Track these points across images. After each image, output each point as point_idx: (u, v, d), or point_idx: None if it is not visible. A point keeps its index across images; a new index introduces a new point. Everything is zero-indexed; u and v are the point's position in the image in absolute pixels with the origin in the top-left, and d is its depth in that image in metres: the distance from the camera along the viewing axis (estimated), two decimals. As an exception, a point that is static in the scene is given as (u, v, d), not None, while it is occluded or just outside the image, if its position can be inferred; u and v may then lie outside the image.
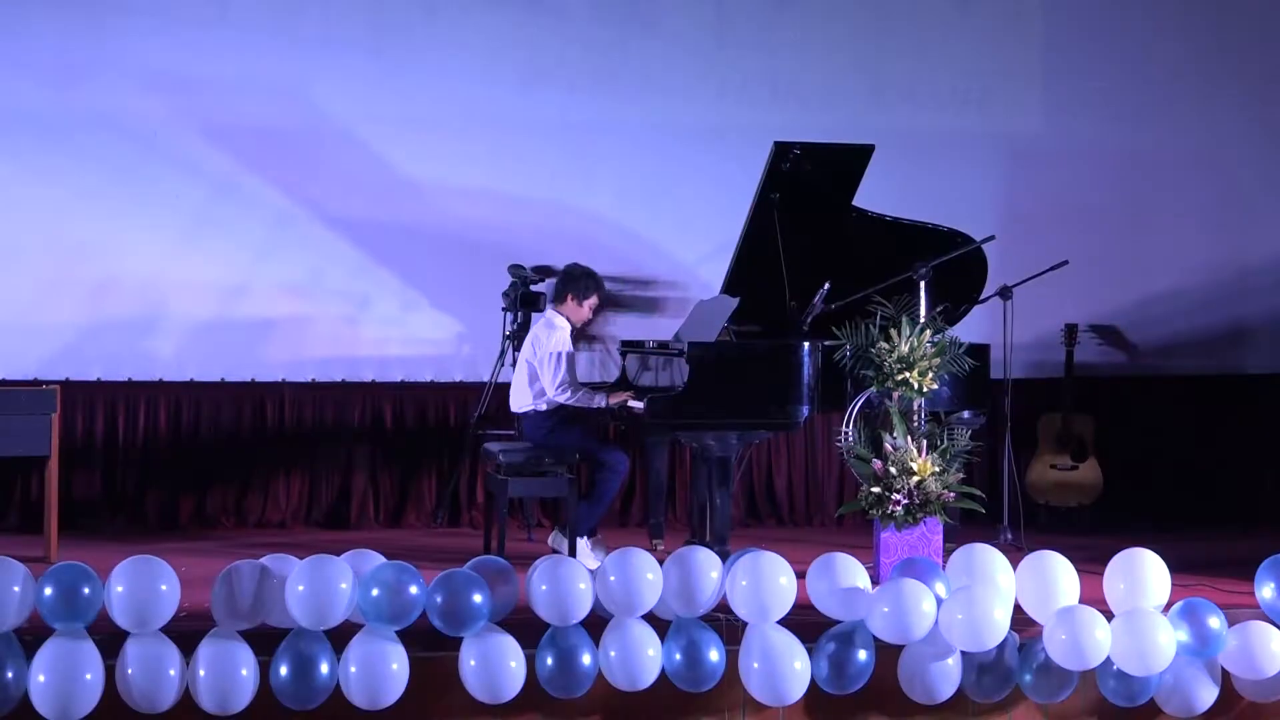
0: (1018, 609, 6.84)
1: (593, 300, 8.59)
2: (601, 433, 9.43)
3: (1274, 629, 6.84)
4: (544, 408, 8.44)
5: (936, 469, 7.64)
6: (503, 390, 8.71)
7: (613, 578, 6.56)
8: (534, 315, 9.14)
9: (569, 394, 8.35)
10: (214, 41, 9.55)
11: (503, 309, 9.43)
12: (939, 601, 6.71)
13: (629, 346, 9.19)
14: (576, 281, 8.56)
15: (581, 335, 9.81)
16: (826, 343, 8.00)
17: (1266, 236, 10.66)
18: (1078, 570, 6.93)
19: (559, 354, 8.35)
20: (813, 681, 6.66)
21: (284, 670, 6.29)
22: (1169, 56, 10.56)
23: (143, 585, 6.23)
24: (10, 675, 6.14)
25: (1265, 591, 6.96)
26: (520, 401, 8.51)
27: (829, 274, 8.41)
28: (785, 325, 8.54)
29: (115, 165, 9.48)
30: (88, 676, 6.15)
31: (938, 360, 7.76)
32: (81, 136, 9.45)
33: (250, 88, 9.57)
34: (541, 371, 8.38)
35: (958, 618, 6.63)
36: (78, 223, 9.46)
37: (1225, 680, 6.89)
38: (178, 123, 9.55)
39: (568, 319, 8.54)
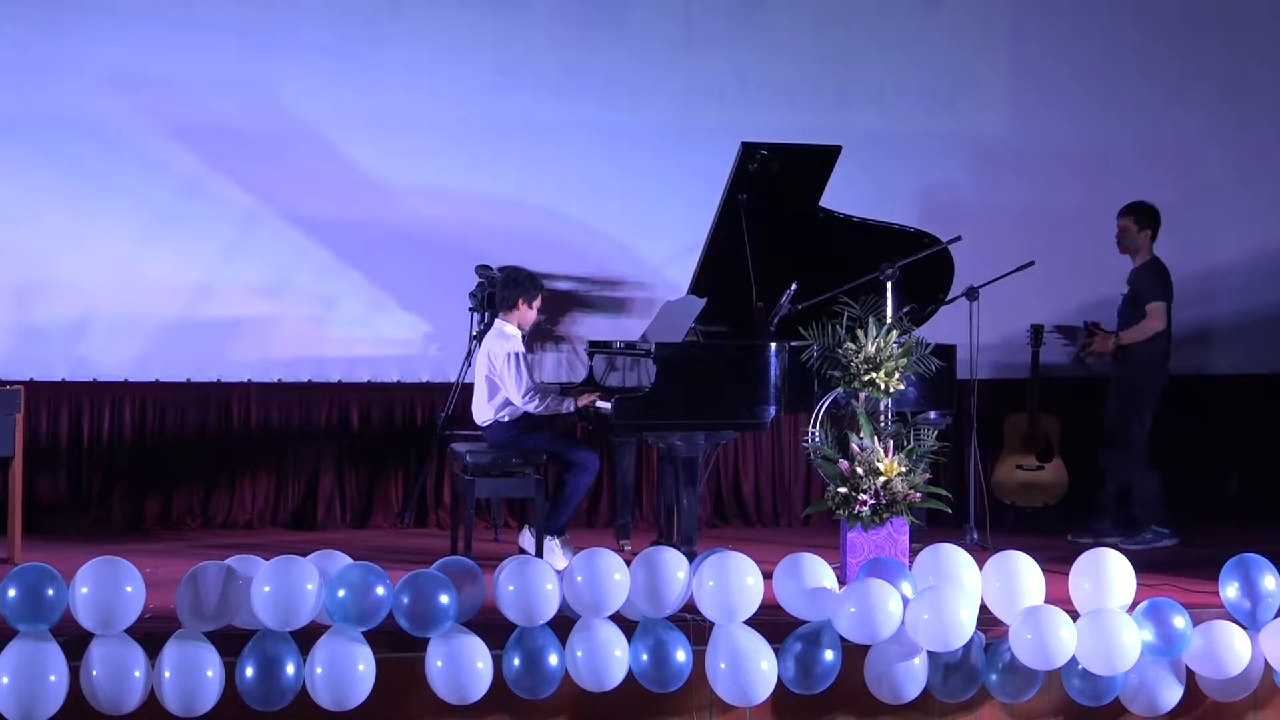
0: (983, 609, 6.86)
1: (538, 301, 8.60)
2: (570, 433, 9.43)
3: (1238, 628, 6.88)
4: (506, 419, 8.43)
5: (903, 469, 7.66)
6: (470, 391, 8.70)
7: (580, 578, 6.56)
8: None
9: (536, 402, 8.34)
10: (179, 40, 9.51)
11: (470, 309, 9.42)
12: (905, 601, 6.73)
13: (596, 347, 9.20)
14: (521, 285, 8.55)
15: (549, 335, 9.82)
16: (794, 343, 8.02)
17: (1232, 238, 10.71)
18: (1043, 570, 6.96)
19: (512, 355, 8.34)
20: (780, 681, 6.67)
21: (250, 672, 6.27)
22: (1136, 58, 10.61)
23: (107, 586, 6.20)
24: (-26, 677, 6.12)
25: (1229, 591, 7.00)
26: (482, 415, 8.51)
27: (796, 274, 8.42)
28: (752, 326, 8.55)
29: (79, 165, 9.43)
30: (51, 678, 6.12)
31: (904, 361, 7.78)
32: (44, 136, 9.40)
33: (216, 87, 9.54)
34: (503, 382, 8.37)
35: (924, 618, 6.65)
36: (41, 223, 9.41)
37: (1190, 680, 6.92)
38: (142, 122, 9.51)
39: (518, 325, 8.54)
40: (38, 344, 9.45)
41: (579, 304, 9.92)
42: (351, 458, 9.81)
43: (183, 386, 9.65)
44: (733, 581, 6.64)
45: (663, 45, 10.07)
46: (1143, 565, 7.17)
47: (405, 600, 6.39)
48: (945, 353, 8.40)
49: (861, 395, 7.81)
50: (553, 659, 6.51)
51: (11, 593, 6.16)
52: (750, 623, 6.69)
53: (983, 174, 10.39)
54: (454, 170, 9.80)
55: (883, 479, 7.63)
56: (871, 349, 7.74)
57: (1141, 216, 9.23)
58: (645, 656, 6.58)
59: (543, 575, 6.54)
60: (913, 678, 6.74)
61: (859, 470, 7.65)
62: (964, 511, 8.89)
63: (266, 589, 6.28)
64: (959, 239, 8.69)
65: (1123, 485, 9.26)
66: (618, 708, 6.69)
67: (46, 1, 9.39)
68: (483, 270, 9.34)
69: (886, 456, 7.66)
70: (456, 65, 9.82)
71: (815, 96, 10.18)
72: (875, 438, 7.73)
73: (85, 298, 9.48)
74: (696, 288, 8.72)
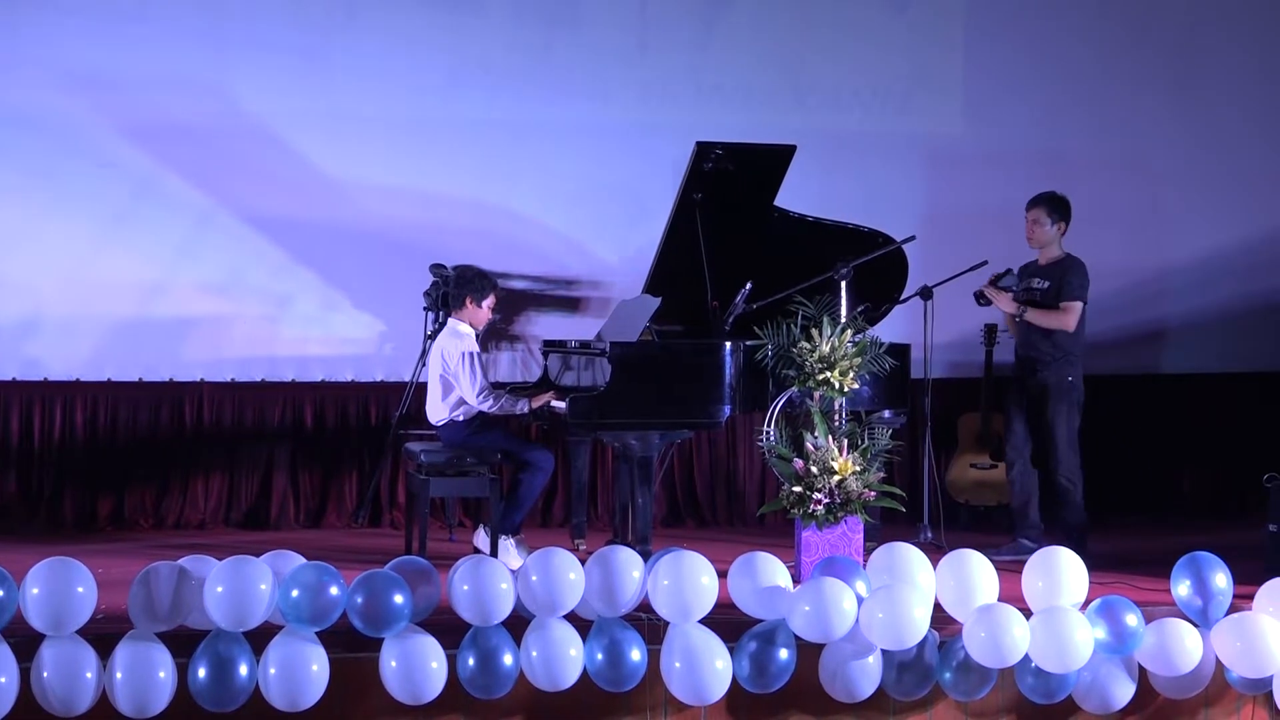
0: (938, 607, 6.88)
1: (490, 300, 8.58)
2: (524, 432, 9.42)
3: (1189, 626, 6.91)
4: (461, 418, 8.42)
5: (857, 468, 7.67)
6: (424, 390, 8.68)
7: (534, 578, 6.55)
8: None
9: (490, 402, 8.33)
10: (133, 38, 9.45)
11: (424, 309, 9.39)
12: (859, 600, 6.74)
13: (551, 346, 9.18)
14: (471, 284, 8.54)
15: (504, 334, 9.81)
16: (748, 342, 8.02)
17: (1184, 238, 10.78)
18: (996, 568, 6.98)
19: (466, 354, 8.33)
20: (734, 680, 6.68)
21: (202, 672, 6.24)
22: (1088, 60, 10.67)
23: (59, 587, 6.16)
24: (-77, 679, 6.07)
25: (1181, 589, 7.03)
26: (436, 415, 8.49)
27: (751, 274, 8.42)
28: (707, 325, 8.55)
29: (30, 163, 9.36)
30: (2, 680, 6.08)
31: (859, 360, 7.80)
32: (-3, 133, 9.36)
33: (170, 85, 9.48)
34: (457, 381, 8.36)
35: (878, 616, 6.66)
36: (-8, 221, 9.37)
37: (1142, 677, 6.95)
38: (96, 120, 9.44)
39: (470, 324, 8.53)
40: (-12, 343, 9.40)
41: (534, 303, 9.91)
42: (305, 457, 9.77)
43: (135, 386, 9.60)
44: (687, 580, 6.64)
45: (619, 45, 10.07)
46: (1095, 563, 7.19)
47: (359, 600, 6.37)
48: (899, 352, 8.42)
49: (816, 394, 7.82)
50: (507, 659, 6.50)
51: (-39, 594, 6.12)
52: (705, 622, 6.69)
53: (937, 174, 10.42)
54: (409, 169, 9.78)
55: (837, 478, 7.64)
56: (826, 348, 7.75)
57: (1054, 208, 8.62)
58: (600, 656, 6.57)
59: (497, 575, 6.53)
60: (867, 676, 6.75)
61: (813, 469, 7.66)
62: (918, 510, 8.90)
63: (219, 589, 6.25)
64: (913, 238, 8.71)
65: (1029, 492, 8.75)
66: (573, 707, 6.69)
67: (-2, -1, 9.35)
68: (437, 269, 9.31)
69: (841, 455, 7.68)
70: (412, 64, 9.80)
71: (771, 97, 10.19)
72: (830, 437, 7.75)
73: (36, 297, 9.42)
74: (651, 287, 8.72)
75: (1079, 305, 8.56)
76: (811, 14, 10.31)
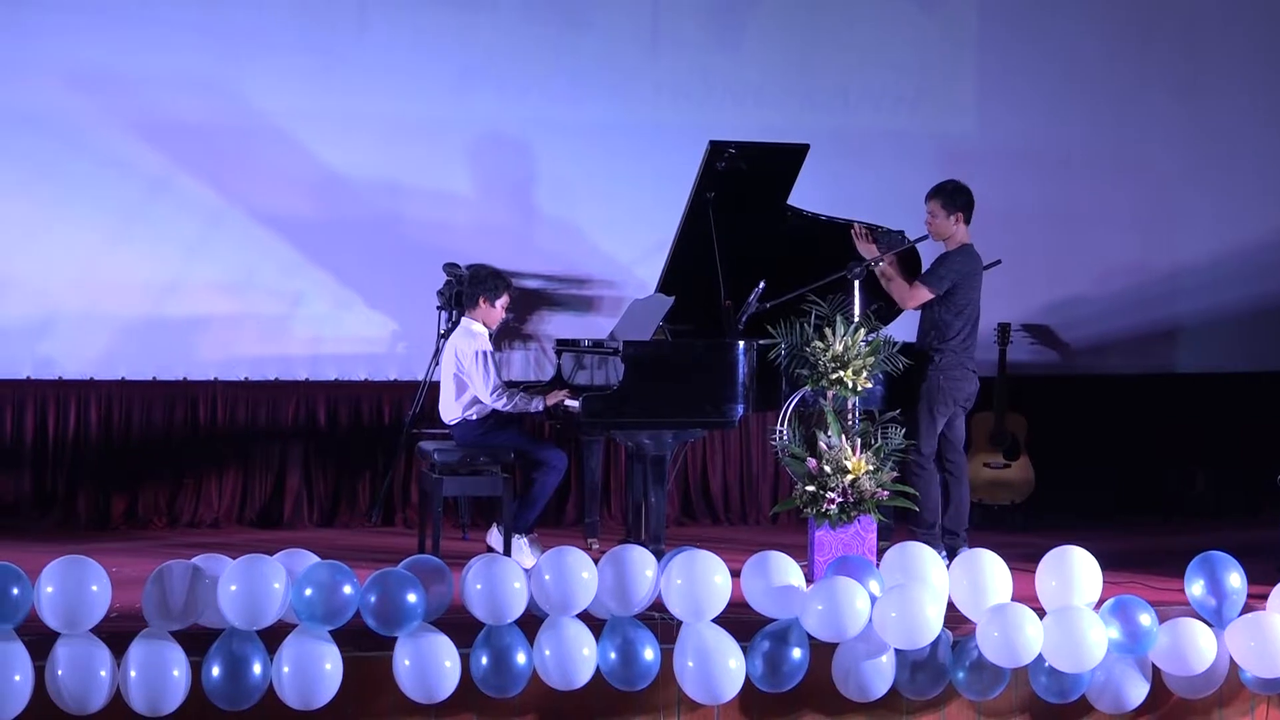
0: (951, 607, 6.88)
1: (504, 299, 8.59)
2: (537, 431, 9.42)
3: (1204, 626, 6.90)
4: (474, 417, 8.42)
5: (870, 467, 7.67)
6: (437, 389, 8.69)
7: (548, 577, 6.55)
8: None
9: (505, 400, 8.34)
10: (142, 38, 9.46)
11: (437, 308, 9.40)
12: (873, 599, 6.74)
13: (564, 345, 9.19)
14: (484, 283, 8.55)
15: (517, 334, 9.81)
16: (761, 342, 8.02)
17: (1196, 236, 10.77)
18: (1010, 568, 6.97)
19: (479, 353, 8.34)
20: (747, 680, 6.67)
21: (216, 671, 6.25)
22: (1100, 58, 10.66)
23: (73, 586, 6.17)
24: (-61, 677, 6.08)
25: (1195, 589, 7.02)
26: (450, 414, 8.50)
27: (764, 273, 8.42)
28: (721, 324, 8.55)
29: (43, 164, 9.37)
30: (16, 678, 6.09)
31: (872, 359, 7.79)
32: (7, 134, 9.33)
33: (181, 85, 9.49)
34: (471, 380, 8.36)
35: (891, 615, 6.66)
36: (5, 221, 9.34)
37: (1156, 677, 6.95)
38: (107, 120, 9.46)
39: (484, 323, 8.53)
40: (1, 342, 9.39)
41: (547, 302, 9.91)
42: (319, 456, 9.78)
43: (148, 385, 9.61)
44: (700, 580, 6.64)
45: (630, 45, 10.07)
46: (1108, 563, 7.19)
47: (373, 599, 6.38)
48: (912, 351, 8.41)
49: (829, 393, 7.81)
50: (520, 658, 6.50)
51: (-24, 592, 6.13)
52: (718, 621, 6.69)
53: (948, 173, 10.26)
54: (422, 168, 9.79)
55: (850, 477, 7.64)
56: (839, 347, 7.74)
57: (948, 199, 8.31)
58: (613, 655, 6.57)
59: (510, 574, 6.53)
60: (880, 675, 6.75)
61: (826, 468, 7.65)
62: (931, 510, 8.89)
63: (233, 588, 6.26)
64: (925, 237, 8.69)
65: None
66: (586, 706, 6.69)
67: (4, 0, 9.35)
68: (450, 268, 9.32)
69: (854, 455, 7.67)
70: (424, 64, 9.80)
71: (783, 95, 10.20)
72: (843, 436, 7.74)
73: (50, 296, 9.43)
74: (664, 286, 8.71)
75: (921, 288, 8.24)
76: (824, 13, 10.31)
